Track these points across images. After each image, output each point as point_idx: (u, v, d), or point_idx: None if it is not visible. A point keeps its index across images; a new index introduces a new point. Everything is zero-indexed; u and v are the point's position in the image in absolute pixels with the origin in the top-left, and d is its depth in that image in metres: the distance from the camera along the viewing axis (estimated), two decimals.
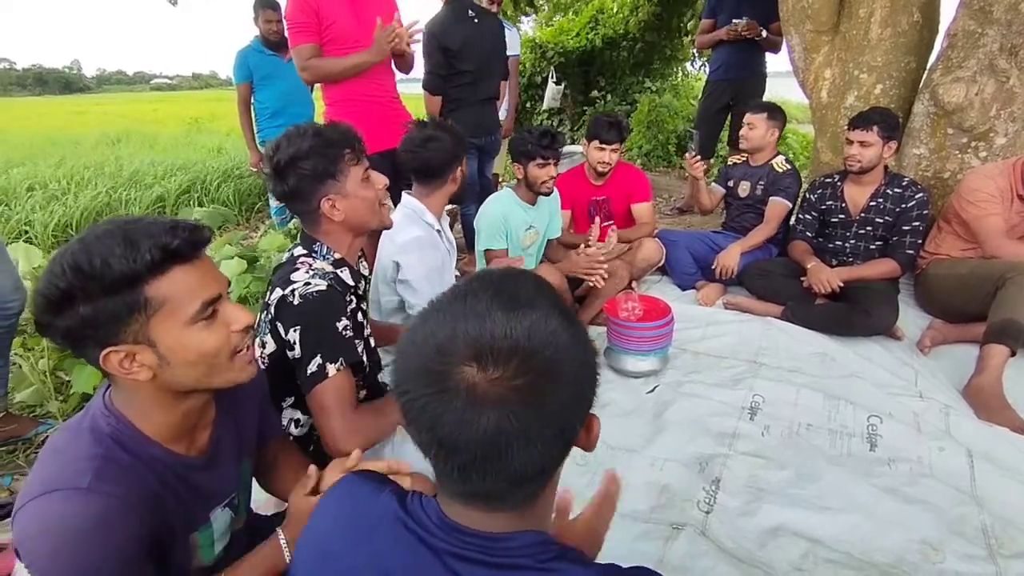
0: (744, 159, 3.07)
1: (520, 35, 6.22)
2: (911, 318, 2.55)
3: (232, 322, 0.88)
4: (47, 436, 1.93)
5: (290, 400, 1.41)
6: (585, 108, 8.18)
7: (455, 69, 3.09)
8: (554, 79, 7.82)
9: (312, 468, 0.97)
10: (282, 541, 0.97)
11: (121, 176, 5.23)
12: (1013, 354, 2.04)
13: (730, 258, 2.84)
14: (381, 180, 1.42)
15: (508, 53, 3.59)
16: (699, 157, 2.99)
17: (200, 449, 0.96)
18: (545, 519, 0.65)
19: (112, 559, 0.77)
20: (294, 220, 4.00)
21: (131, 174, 5.31)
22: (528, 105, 8.24)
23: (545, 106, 7.96)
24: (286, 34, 3.58)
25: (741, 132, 2.97)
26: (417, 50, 2.66)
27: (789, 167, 2.90)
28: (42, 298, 0.77)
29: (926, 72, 2.81)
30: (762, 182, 2.94)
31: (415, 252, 1.94)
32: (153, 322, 0.80)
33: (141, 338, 0.80)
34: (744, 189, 3.00)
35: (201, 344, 0.85)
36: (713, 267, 2.90)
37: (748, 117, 2.95)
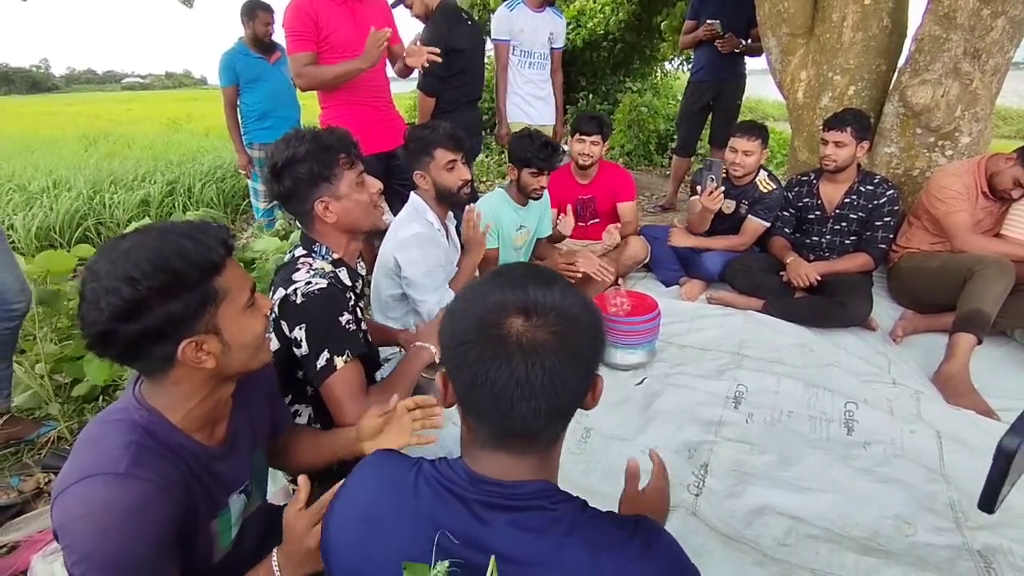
0: (725, 175, 3.03)
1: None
2: (884, 309, 2.67)
3: (263, 307, 0.98)
4: (49, 438, 1.95)
5: (288, 397, 1.46)
6: (567, 107, 8.26)
7: (452, 71, 3.15)
8: None
9: (302, 479, 1.00)
10: (274, 563, 0.98)
11: (102, 178, 5.17)
12: (979, 342, 2.17)
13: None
14: (375, 184, 1.47)
15: (555, 46, 3.72)
16: (722, 190, 2.85)
17: (219, 440, 1.02)
18: (554, 473, 0.75)
19: (151, 541, 0.82)
20: (280, 222, 4.02)
21: (112, 176, 5.25)
22: None
23: None
24: (274, 37, 3.68)
25: (735, 160, 2.86)
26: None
27: (774, 185, 2.91)
28: (124, 303, 0.80)
29: (895, 75, 2.93)
30: (746, 201, 2.96)
31: (415, 248, 1.98)
32: (220, 311, 0.89)
33: (210, 327, 0.88)
34: (729, 207, 3.01)
35: (253, 327, 0.95)
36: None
37: (743, 144, 2.84)
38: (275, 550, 1.00)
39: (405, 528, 0.70)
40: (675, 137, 5.79)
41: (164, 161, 6.16)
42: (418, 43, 2.62)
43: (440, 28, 3.08)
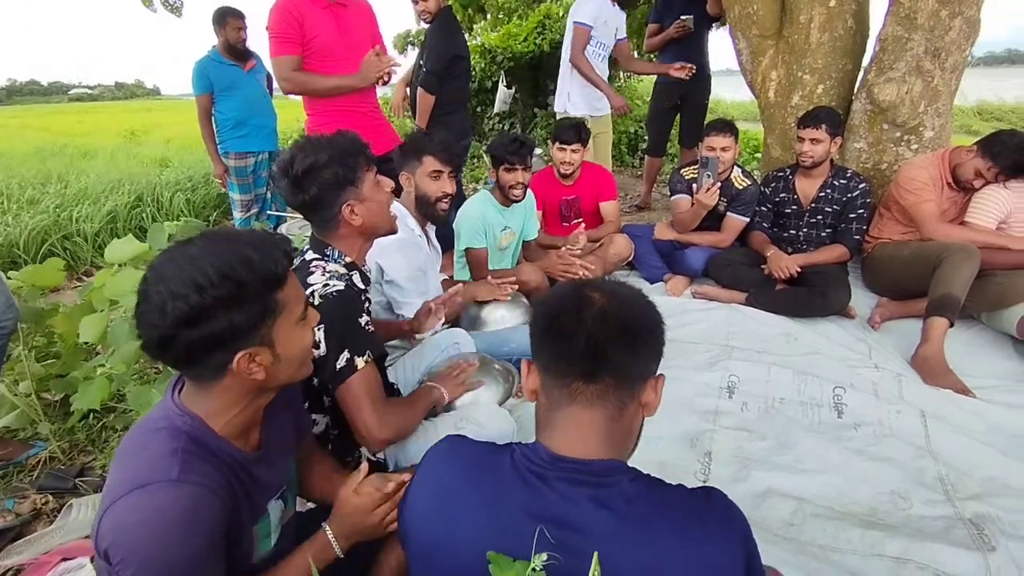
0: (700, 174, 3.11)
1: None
2: (860, 297, 2.79)
3: (312, 321, 0.99)
4: (39, 458, 1.89)
5: (304, 404, 1.45)
6: (536, 111, 8.34)
7: (454, 75, 3.22)
8: (504, 83, 7.95)
9: (364, 464, 1.04)
10: (329, 535, 1.02)
11: (68, 192, 5.00)
12: (951, 325, 2.28)
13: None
14: (389, 183, 1.49)
15: (619, 37, 3.81)
16: (719, 186, 2.89)
17: (254, 446, 1.02)
18: (626, 450, 0.81)
19: (206, 544, 0.83)
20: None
21: (79, 190, 5.08)
22: (479, 109, 8.33)
23: (496, 110, 8.08)
24: (248, 44, 3.63)
25: (715, 157, 2.90)
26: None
27: (748, 181, 3.00)
28: (189, 309, 0.80)
29: (861, 73, 3.07)
30: (724, 199, 3.03)
31: (397, 252, 1.99)
32: (277, 324, 0.90)
33: (266, 339, 0.89)
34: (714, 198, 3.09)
35: (302, 341, 0.96)
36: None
37: (720, 141, 2.90)
38: (325, 523, 1.03)
39: (489, 508, 0.73)
40: (645, 138, 5.91)
41: (127, 173, 5.98)
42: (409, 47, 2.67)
43: (450, 34, 3.19)
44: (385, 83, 2.73)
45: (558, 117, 3.83)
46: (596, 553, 0.63)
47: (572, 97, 3.75)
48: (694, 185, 2.98)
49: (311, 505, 1.35)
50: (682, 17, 4.08)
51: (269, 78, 3.88)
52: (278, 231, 3.95)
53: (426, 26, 3.37)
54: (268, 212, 3.95)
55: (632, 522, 0.69)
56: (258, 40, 3.53)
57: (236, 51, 3.59)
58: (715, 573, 0.67)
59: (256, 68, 3.72)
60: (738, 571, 0.68)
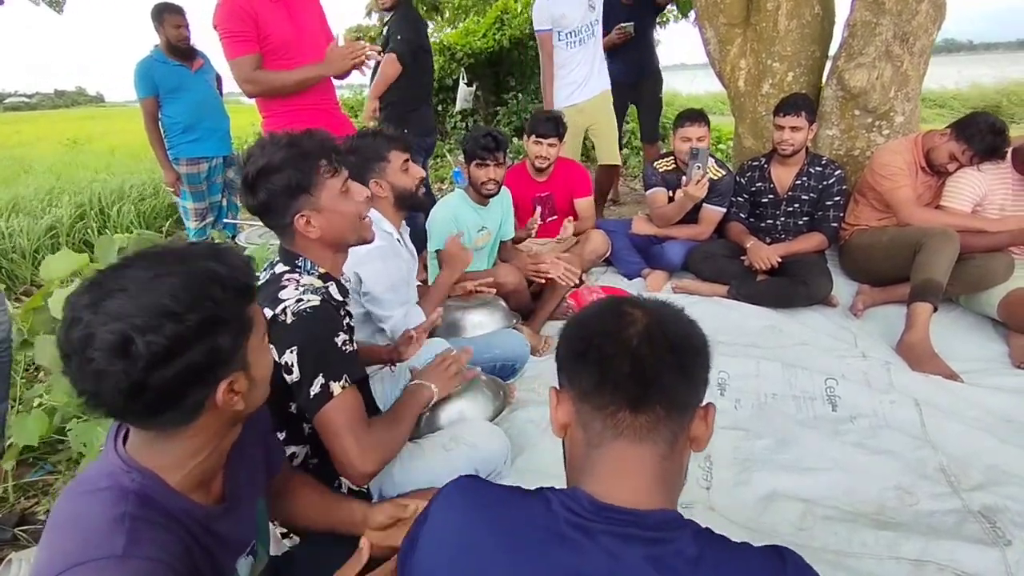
0: (674, 166, 3.08)
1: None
2: (840, 285, 2.76)
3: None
4: None
5: (282, 434, 1.31)
6: (498, 108, 8.22)
7: (421, 68, 3.09)
8: (465, 81, 7.82)
9: (364, 542, 0.94)
10: None
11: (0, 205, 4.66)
12: (935, 309, 2.27)
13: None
14: (362, 192, 1.33)
15: (594, 4, 3.65)
16: (708, 176, 2.84)
17: (216, 497, 0.88)
18: (676, 495, 0.71)
19: None
20: (217, 242, 3.75)
21: (10, 202, 4.73)
22: (440, 108, 8.17)
23: (458, 108, 7.94)
24: (193, 42, 3.41)
25: (685, 148, 2.88)
26: None
27: (723, 172, 2.96)
28: (166, 340, 0.67)
29: (831, 60, 3.06)
30: None
31: (377, 262, 1.86)
32: (249, 344, 0.78)
33: (241, 363, 0.77)
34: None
35: (269, 361, 0.86)
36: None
37: (695, 131, 2.89)
38: None
39: (518, 567, 0.62)
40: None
41: (70, 184, 5.62)
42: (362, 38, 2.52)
43: (415, 24, 3.09)
44: (363, 72, 2.59)
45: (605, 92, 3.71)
46: None
47: (561, 96, 3.67)
48: (683, 178, 2.91)
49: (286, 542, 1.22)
50: (622, 24, 4.06)
51: (219, 78, 3.66)
52: (236, 240, 3.74)
53: (376, 19, 3.28)
54: (225, 220, 3.73)
55: None
56: (203, 38, 3.33)
57: (179, 50, 3.36)
58: None
59: (204, 68, 3.49)
60: None
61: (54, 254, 2.02)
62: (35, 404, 1.54)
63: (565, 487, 0.70)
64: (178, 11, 3.35)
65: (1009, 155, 2.43)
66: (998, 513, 1.47)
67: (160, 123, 3.43)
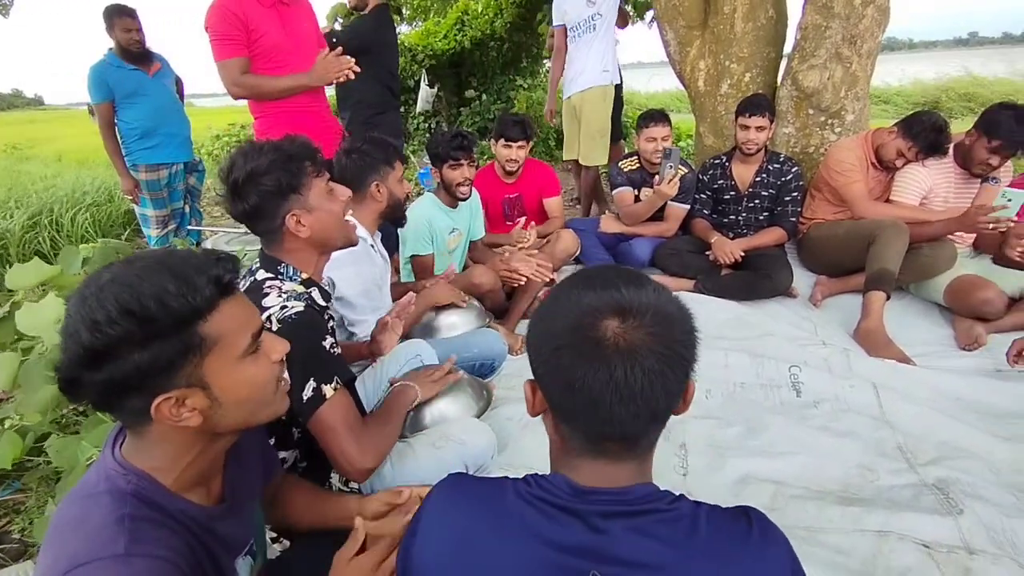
0: (639, 165, 3.16)
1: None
2: (800, 276, 2.89)
3: (271, 352, 0.85)
4: None
5: (271, 441, 1.32)
6: (460, 109, 8.24)
7: (391, 71, 3.09)
8: (427, 82, 7.79)
9: (359, 522, 0.93)
10: None
11: None
12: (888, 297, 2.40)
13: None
14: (345, 192, 1.37)
15: None
16: (680, 174, 2.88)
17: (216, 498, 0.90)
18: (650, 476, 0.73)
19: None
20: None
21: None
22: (403, 110, 8.13)
23: (419, 109, 7.91)
24: (148, 45, 3.32)
25: (655, 148, 2.98)
26: None
27: (685, 169, 3.02)
28: (83, 350, 0.68)
29: (785, 61, 3.19)
30: None
31: (351, 266, 1.87)
32: (207, 362, 0.76)
33: (194, 380, 0.76)
34: (648, 194, 3.11)
35: (254, 379, 0.82)
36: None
37: (659, 131, 2.97)
38: None
39: (512, 549, 0.65)
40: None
41: (15, 192, 5.38)
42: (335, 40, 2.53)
43: (386, 29, 3.11)
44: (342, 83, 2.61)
45: (606, 88, 3.72)
46: None
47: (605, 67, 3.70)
48: (655, 177, 2.98)
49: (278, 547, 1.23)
50: None
51: (179, 82, 3.57)
52: (201, 247, 3.66)
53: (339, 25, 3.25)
54: (188, 227, 3.64)
55: (677, 549, 0.63)
56: (160, 41, 3.25)
57: (132, 54, 3.26)
58: None
59: (162, 71, 3.41)
60: None
61: (12, 265, 1.96)
62: (5, 426, 1.50)
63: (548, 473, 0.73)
64: (129, 14, 3.24)
65: (951, 151, 2.59)
66: (950, 485, 1.58)
67: (116, 129, 3.33)
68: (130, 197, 3.44)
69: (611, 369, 0.62)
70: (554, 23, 3.86)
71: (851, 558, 1.37)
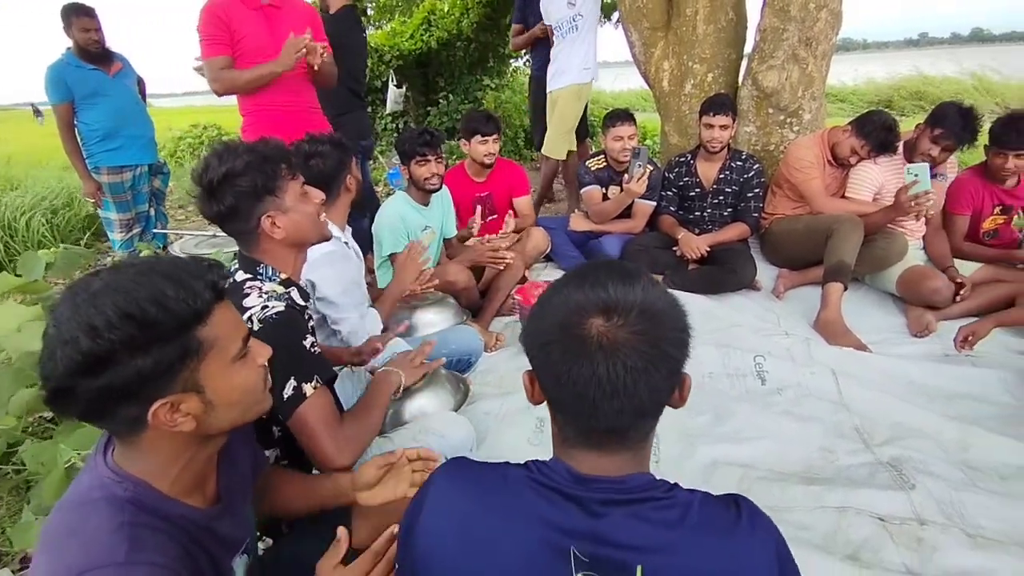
0: (606, 164, 3.22)
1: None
2: (763, 270, 3.00)
3: (258, 356, 0.87)
4: None
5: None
6: (428, 109, 8.22)
7: (343, 71, 3.09)
8: (394, 82, 7.75)
9: (342, 531, 0.93)
10: None
11: None
12: (846, 288, 2.52)
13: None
14: (318, 195, 1.38)
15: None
16: (648, 172, 2.94)
17: (211, 499, 0.91)
18: (647, 467, 0.76)
19: None
20: (144, 254, 3.58)
21: None
22: (370, 110, 8.08)
23: (388, 110, 7.86)
24: (109, 45, 3.24)
25: (622, 146, 3.04)
26: None
27: (651, 167, 3.09)
28: (81, 356, 0.68)
29: (745, 62, 3.30)
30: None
31: (328, 267, 1.89)
32: (203, 366, 0.77)
33: (190, 385, 0.76)
34: (615, 193, 3.19)
35: (245, 382, 0.83)
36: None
37: (626, 130, 3.04)
38: None
39: (513, 530, 0.68)
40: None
41: None
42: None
43: (355, 31, 3.12)
44: (314, 67, 2.61)
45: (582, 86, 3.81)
46: (640, 567, 0.62)
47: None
48: (624, 176, 3.03)
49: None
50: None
51: (140, 82, 3.50)
52: (167, 251, 3.59)
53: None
54: (153, 231, 3.57)
55: (671, 532, 0.67)
56: (118, 40, 3.17)
57: (91, 54, 3.18)
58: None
59: (123, 72, 3.32)
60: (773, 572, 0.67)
61: None
62: None
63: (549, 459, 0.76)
64: (87, 13, 3.16)
65: (901, 148, 2.72)
66: (903, 462, 1.68)
67: (76, 130, 3.25)
68: (92, 200, 3.36)
69: (594, 366, 0.65)
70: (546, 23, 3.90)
71: (814, 533, 1.45)
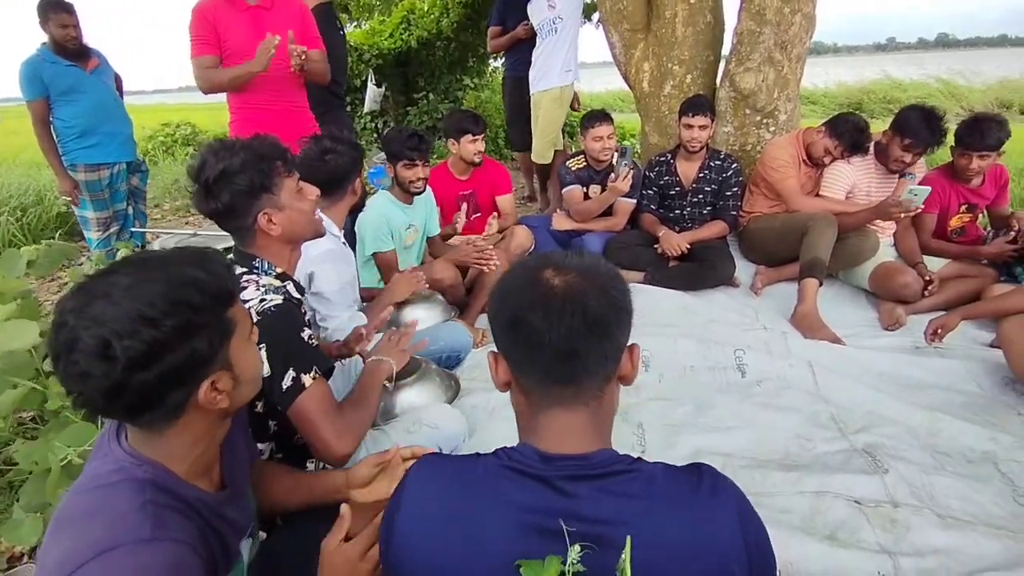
0: (586, 164, 3.26)
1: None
2: (741, 267, 3.08)
3: (255, 336, 0.93)
4: None
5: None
6: (408, 108, 8.21)
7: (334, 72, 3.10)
8: (373, 81, 7.72)
9: (345, 508, 0.94)
10: None
11: None
12: (821, 284, 2.61)
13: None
14: (313, 191, 1.40)
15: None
16: (633, 171, 3.01)
17: (217, 484, 0.93)
18: (609, 441, 0.80)
19: None
20: (122, 252, 3.53)
21: None
22: (349, 109, 8.03)
23: (367, 109, 7.82)
24: (85, 41, 3.19)
25: (602, 146, 3.10)
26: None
27: (632, 166, 3.11)
28: (145, 346, 0.71)
29: (723, 64, 3.38)
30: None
31: (329, 264, 1.90)
32: (231, 344, 0.83)
33: (224, 363, 0.81)
34: (596, 192, 3.24)
35: (255, 357, 0.91)
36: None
37: (605, 130, 3.09)
38: None
39: (488, 515, 0.71)
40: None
41: None
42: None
43: (332, 29, 3.10)
44: (317, 79, 2.68)
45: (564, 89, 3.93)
46: (629, 537, 0.64)
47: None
48: (611, 175, 3.05)
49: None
50: (527, 22, 4.12)
51: (118, 79, 3.44)
52: (147, 249, 3.55)
53: None
54: (131, 230, 3.52)
55: (638, 502, 0.70)
56: (95, 37, 3.12)
57: (67, 50, 3.13)
58: (716, 544, 0.69)
59: (100, 68, 3.27)
60: (736, 537, 0.70)
61: None
62: None
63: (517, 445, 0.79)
64: (65, 9, 3.10)
65: (871, 149, 2.82)
66: (877, 448, 1.76)
67: (52, 127, 3.19)
68: (68, 198, 3.30)
69: (542, 288, 0.74)
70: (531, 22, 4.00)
71: (793, 516, 1.51)
